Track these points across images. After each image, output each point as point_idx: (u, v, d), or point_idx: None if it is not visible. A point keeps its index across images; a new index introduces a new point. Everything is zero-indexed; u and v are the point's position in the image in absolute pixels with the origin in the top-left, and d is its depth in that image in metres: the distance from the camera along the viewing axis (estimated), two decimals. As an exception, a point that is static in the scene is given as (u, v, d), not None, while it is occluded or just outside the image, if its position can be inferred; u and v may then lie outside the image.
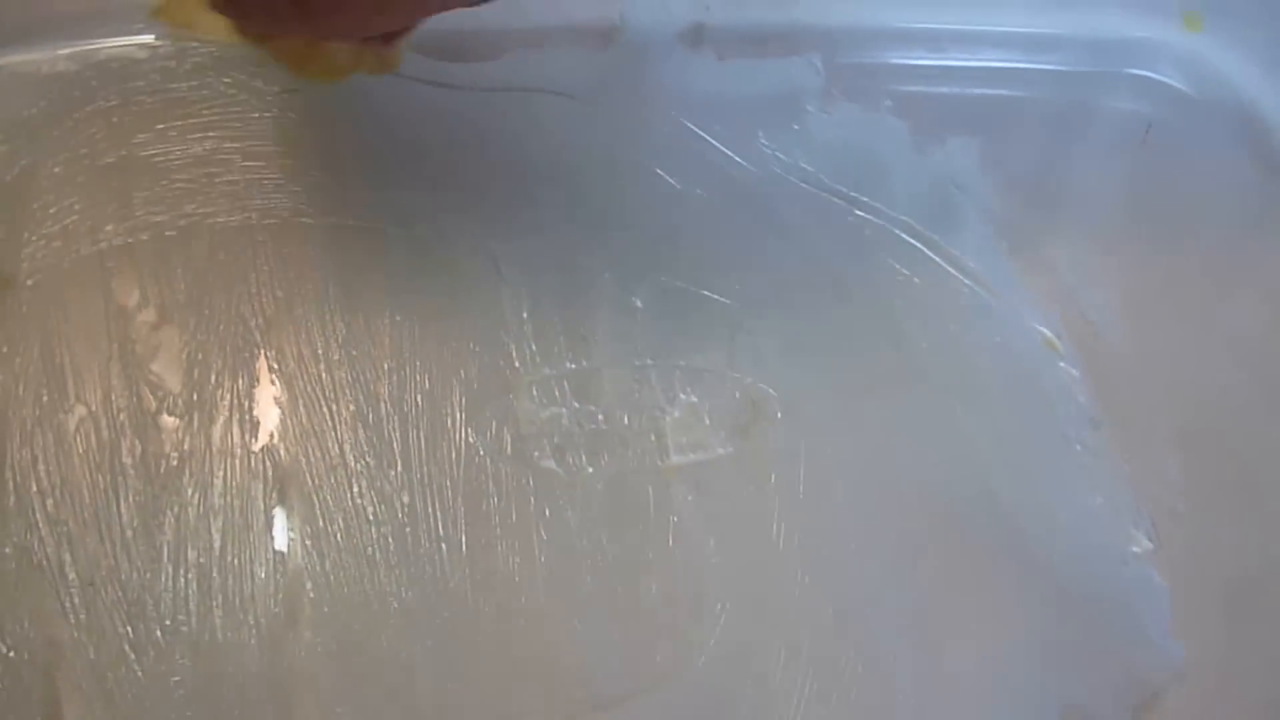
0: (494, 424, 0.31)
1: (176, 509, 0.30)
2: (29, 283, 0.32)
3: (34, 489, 0.30)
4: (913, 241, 0.34)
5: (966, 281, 0.33)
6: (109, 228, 0.33)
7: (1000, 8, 0.37)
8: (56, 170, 0.33)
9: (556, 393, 0.31)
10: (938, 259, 0.34)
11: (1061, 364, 0.33)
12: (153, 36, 0.35)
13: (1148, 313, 0.33)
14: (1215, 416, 0.32)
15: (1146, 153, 0.36)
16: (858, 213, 0.34)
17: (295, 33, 0.30)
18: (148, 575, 0.29)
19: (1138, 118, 0.37)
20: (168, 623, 0.29)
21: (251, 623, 0.29)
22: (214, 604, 0.29)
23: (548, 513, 0.30)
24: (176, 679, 0.28)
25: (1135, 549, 0.31)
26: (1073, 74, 0.37)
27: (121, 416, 0.31)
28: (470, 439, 0.31)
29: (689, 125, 0.35)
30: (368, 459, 0.31)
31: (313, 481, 0.30)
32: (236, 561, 0.29)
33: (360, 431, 0.31)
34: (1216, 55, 0.37)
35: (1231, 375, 0.33)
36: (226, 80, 0.35)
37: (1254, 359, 0.33)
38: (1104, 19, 0.38)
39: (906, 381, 0.32)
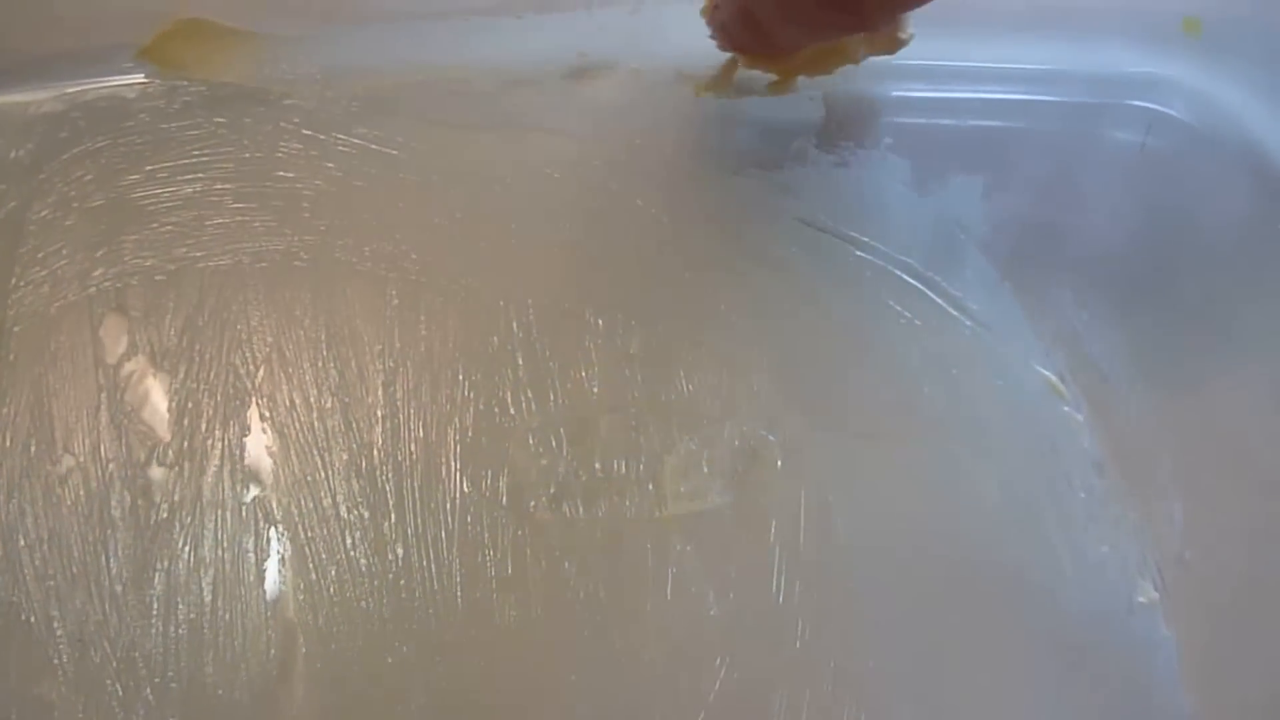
0: (489, 473, 0.30)
1: (166, 562, 0.29)
2: (15, 329, 0.31)
3: (21, 542, 0.29)
4: (914, 282, 0.33)
5: (968, 323, 0.33)
6: (97, 272, 0.32)
7: (1000, 43, 0.36)
8: (44, 213, 0.33)
9: (553, 441, 0.31)
10: (939, 300, 0.33)
11: (1065, 407, 0.32)
12: (142, 76, 0.34)
13: (1153, 354, 0.33)
14: (1222, 460, 0.32)
15: (1149, 186, 0.36)
16: (857, 253, 0.33)
17: (830, 37, 0.32)
18: (137, 631, 0.29)
19: (1140, 150, 0.36)
20: (158, 680, 0.28)
21: (244, 679, 0.28)
22: (205, 659, 0.29)
23: (544, 564, 0.30)
24: (167, 739, 0.28)
25: (1141, 598, 0.30)
26: (1073, 106, 0.37)
27: (110, 467, 0.30)
28: (465, 489, 0.30)
29: (686, 164, 0.34)
30: (361, 510, 0.30)
31: (305, 533, 0.30)
32: (228, 616, 0.29)
33: (353, 481, 0.30)
34: (1217, 85, 0.37)
35: (1239, 417, 0.32)
36: (219, 120, 0.34)
37: (1262, 401, 0.32)
38: (1103, 52, 0.37)
39: (908, 426, 0.32)
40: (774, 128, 0.35)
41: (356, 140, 0.34)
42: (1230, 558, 0.31)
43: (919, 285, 0.33)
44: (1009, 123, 0.36)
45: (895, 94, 0.36)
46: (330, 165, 0.34)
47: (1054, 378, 0.32)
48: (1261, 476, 0.31)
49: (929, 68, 0.36)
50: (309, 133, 0.34)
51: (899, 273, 0.33)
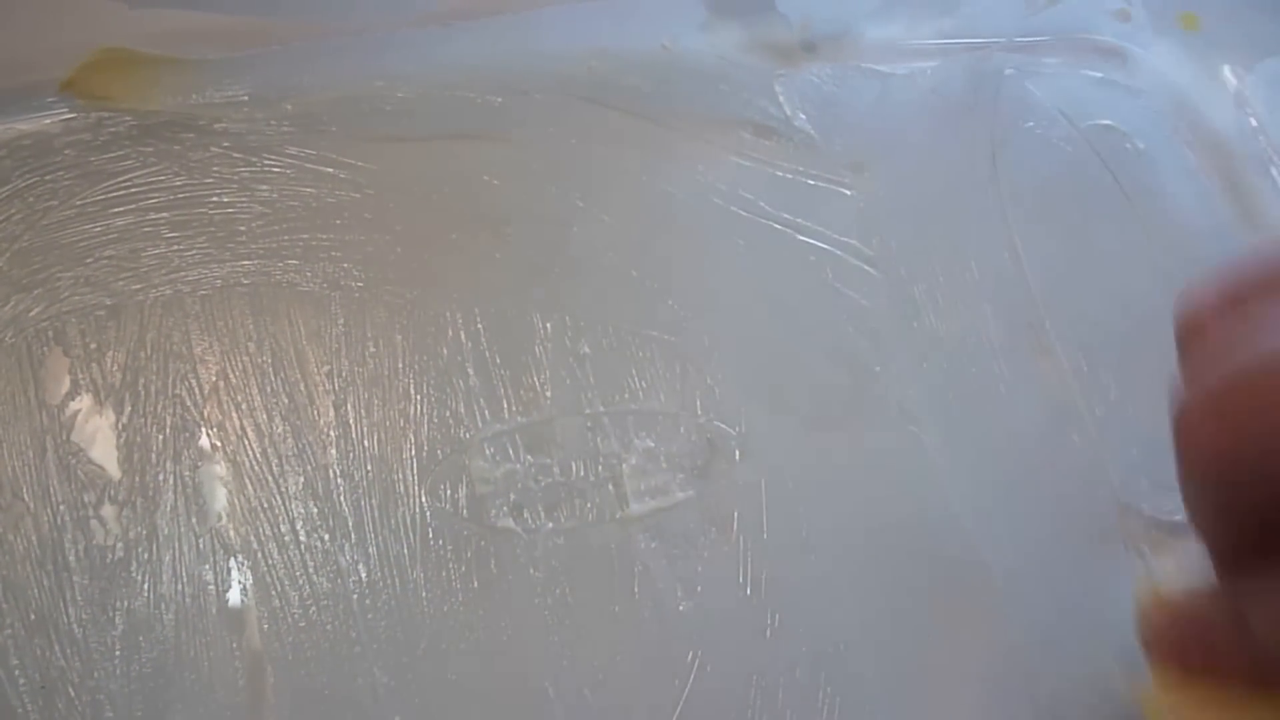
0: (448, 486, 0.30)
1: (126, 601, 0.29)
2: (-46, 378, 0.31)
3: (-24, 594, 0.29)
4: (857, 263, 0.33)
5: (915, 301, 0.33)
6: (34, 313, 0.32)
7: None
8: (-26, 258, 0.32)
9: (509, 449, 0.31)
10: (884, 279, 0.33)
11: (1016, 379, 0.32)
12: (66, 110, 0.34)
13: (1095, 315, 0.33)
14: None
15: (1066, 146, 0.36)
16: (800, 238, 0.34)
17: None
18: (101, 674, 0.28)
19: (1057, 115, 0.37)
20: (125, 722, 0.28)
21: (213, 713, 0.28)
22: (172, 697, 0.28)
23: (510, 574, 0.29)
24: (138, 781, 0.27)
25: (1106, 564, 0.31)
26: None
27: (62, 509, 0.30)
28: (424, 503, 0.30)
29: (624, 161, 0.34)
30: (320, 533, 0.30)
31: (265, 561, 0.29)
32: (192, 651, 0.29)
33: (311, 505, 0.30)
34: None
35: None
36: (147, 148, 0.34)
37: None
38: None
39: (861, 408, 0.32)
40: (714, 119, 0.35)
41: (289, 160, 0.34)
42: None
43: (863, 266, 0.33)
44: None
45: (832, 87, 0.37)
46: (264, 188, 0.33)
47: (1000, 345, 0.33)
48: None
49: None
50: (240, 156, 0.33)
51: (842, 254, 0.33)
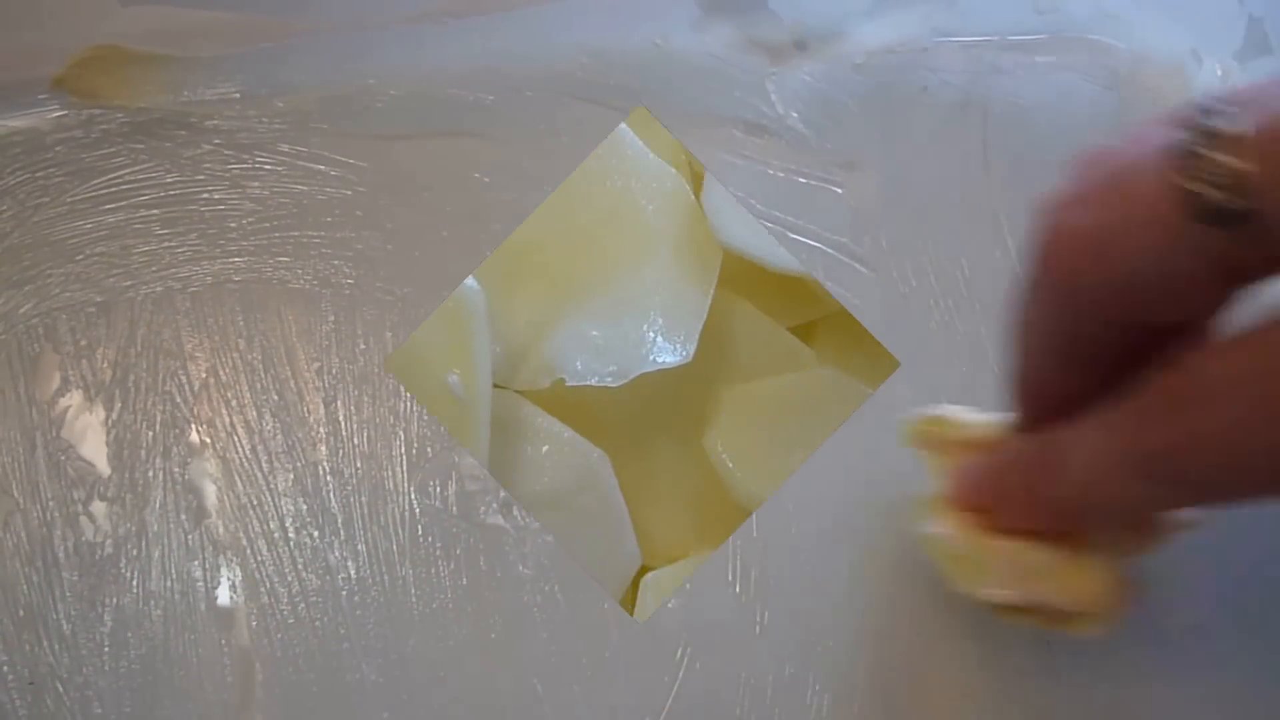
0: (438, 484, 0.30)
1: (115, 598, 0.29)
2: (-56, 374, 0.31)
3: (-35, 590, 0.29)
4: (849, 261, 0.33)
5: (907, 299, 0.33)
6: (24, 309, 0.32)
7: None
8: (-35, 255, 0.32)
9: (499, 446, 0.31)
10: (876, 277, 0.33)
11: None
12: (57, 107, 0.34)
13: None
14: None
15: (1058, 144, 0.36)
16: (792, 236, 0.34)
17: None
18: (90, 670, 0.28)
19: (1049, 113, 0.36)
20: (114, 718, 0.28)
21: (202, 711, 0.28)
22: (161, 694, 0.28)
23: (499, 572, 0.29)
24: (126, 777, 0.27)
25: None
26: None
27: (51, 506, 0.30)
28: (413, 500, 0.30)
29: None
30: (310, 530, 0.30)
31: (254, 558, 0.29)
32: (181, 647, 0.29)
33: (300, 502, 0.30)
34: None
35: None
36: (138, 146, 0.34)
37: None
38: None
39: (854, 406, 0.32)
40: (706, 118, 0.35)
41: (281, 158, 0.34)
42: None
43: (855, 264, 0.33)
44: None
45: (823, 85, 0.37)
46: (255, 185, 0.33)
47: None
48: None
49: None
50: (231, 153, 0.33)
51: (834, 252, 0.33)
